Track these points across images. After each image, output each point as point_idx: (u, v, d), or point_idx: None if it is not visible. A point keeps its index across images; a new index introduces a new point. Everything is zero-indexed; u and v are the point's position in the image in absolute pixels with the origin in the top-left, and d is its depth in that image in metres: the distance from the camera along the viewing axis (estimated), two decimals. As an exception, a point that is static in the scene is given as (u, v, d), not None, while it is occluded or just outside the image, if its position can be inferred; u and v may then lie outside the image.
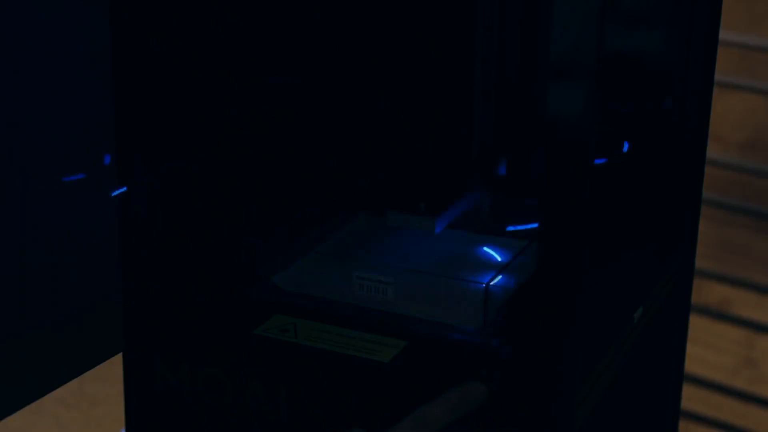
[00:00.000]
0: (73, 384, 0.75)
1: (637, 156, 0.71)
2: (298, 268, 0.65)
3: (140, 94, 0.62)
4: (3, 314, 0.68)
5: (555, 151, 0.53)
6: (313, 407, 0.59)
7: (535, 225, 0.66)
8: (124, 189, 0.63)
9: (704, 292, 1.83)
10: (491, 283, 0.61)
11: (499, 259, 0.65)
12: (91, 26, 0.70)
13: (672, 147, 0.75)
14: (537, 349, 0.56)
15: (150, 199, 0.64)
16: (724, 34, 0.82)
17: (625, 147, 0.69)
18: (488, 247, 0.67)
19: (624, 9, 0.66)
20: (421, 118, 0.68)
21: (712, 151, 0.96)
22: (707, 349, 1.81)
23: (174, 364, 0.61)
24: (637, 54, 0.70)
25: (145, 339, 0.63)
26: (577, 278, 0.54)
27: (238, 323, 0.62)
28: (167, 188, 0.64)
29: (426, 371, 0.58)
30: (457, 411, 0.56)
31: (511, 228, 0.67)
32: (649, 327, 0.70)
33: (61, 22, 0.69)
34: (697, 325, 1.44)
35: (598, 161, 0.55)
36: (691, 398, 1.63)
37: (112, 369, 0.75)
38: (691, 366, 1.26)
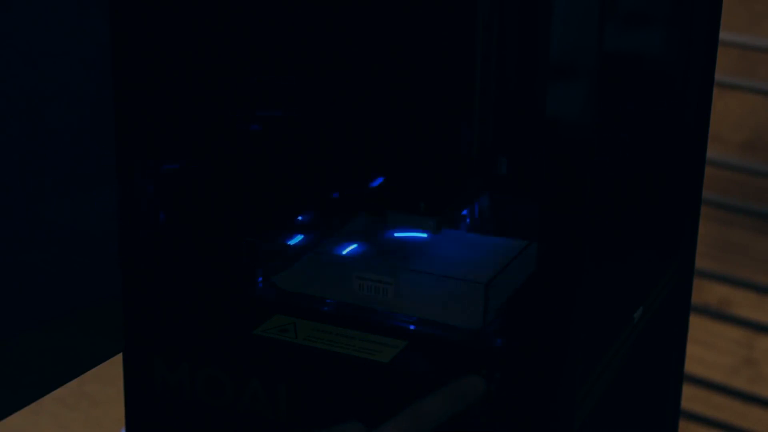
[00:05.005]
0: (73, 384, 0.75)
1: (637, 156, 0.71)
2: (298, 268, 0.65)
3: (140, 94, 0.62)
4: (3, 314, 0.68)
5: (555, 151, 0.53)
6: (313, 407, 0.59)
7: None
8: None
9: (704, 292, 1.83)
10: (491, 283, 0.61)
11: (499, 259, 0.65)
12: (91, 25, 0.70)
13: (672, 147, 0.75)
14: (537, 349, 0.56)
15: (150, 199, 0.64)
16: (724, 34, 0.82)
17: (625, 146, 0.69)
18: (488, 247, 0.67)
19: (624, 9, 0.66)
20: (421, 118, 0.68)
21: (712, 151, 0.96)
22: (707, 349, 1.81)
23: (174, 364, 0.61)
24: (637, 54, 0.70)
25: (145, 339, 0.63)
26: (577, 278, 0.54)
27: (238, 323, 0.62)
28: (167, 188, 0.64)
29: (426, 371, 0.58)
30: (455, 405, 0.56)
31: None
32: (649, 327, 0.70)
33: (61, 21, 0.69)
34: (696, 325, 1.45)
35: (598, 161, 0.55)
36: (691, 398, 1.64)
37: (112, 369, 0.75)
38: (691, 366, 1.26)
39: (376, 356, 0.59)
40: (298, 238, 0.67)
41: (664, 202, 0.76)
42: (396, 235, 0.68)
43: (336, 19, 0.67)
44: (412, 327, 0.61)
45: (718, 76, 0.81)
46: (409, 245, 0.67)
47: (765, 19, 1.94)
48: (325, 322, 0.61)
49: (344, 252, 0.66)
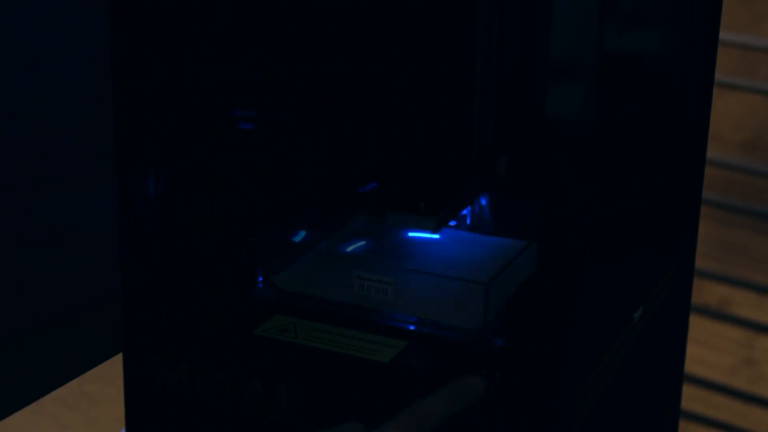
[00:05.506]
0: (73, 384, 0.75)
1: (637, 156, 0.71)
2: (298, 268, 0.65)
3: (141, 94, 0.62)
4: (3, 314, 0.68)
5: (555, 151, 0.53)
6: (313, 407, 0.59)
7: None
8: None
9: (704, 292, 1.83)
10: (491, 283, 0.61)
11: (499, 259, 0.65)
12: (91, 25, 0.70)
13: (672, 147, 0.75)
14: (537, 349, 0.56)
15: (150, 199, 0.64)
16: (724, 34, 0.82)
17: (625, 146, 0.69)
18: (488, 247, 0.67)
19: (624, 9, 0.66)
20: (421, 118, 0.68)
21: (712, 151, 0.96)
22: (707, 349, 1.81)
23: (174, 364, 0.61)
24: (637, 54, 0.70)
25: (145, 339, 0.63)
26: (577, 278, 0.54)
27: (238, 323, 0.62)
28: (167, 188, 0.64)
29: (426, 371, 0.58)
30: (455, 405, 0.56)
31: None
32: (649, 327, 0.70)
33: (61, 21, 0.69)
34: (697, 325, 1.45)
35: (598, 161, 0.55)
36: (691, 398, 1.64)
37: (112, 369, 0.75)
38: (691, 366, 1.26)
39: (376, 356, 0.59)
40: (299, 237, 0.67)
41: (664, 202, 0.76)
42: (396, 234, 0.68)
43: (336, 19, 0.67)
44: (412, 327, 0.61)
45: (718, 76, 0.81)
46: (409, 245, 0.67)
47: (765, 19, 1.94)
48: (325, 322, 0.61)
49: (350, 248, 0.66)
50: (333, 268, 0.64)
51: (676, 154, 0.75)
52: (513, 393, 0.57)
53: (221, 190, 0.65)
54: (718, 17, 0.75)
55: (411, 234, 0.68)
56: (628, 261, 0.69)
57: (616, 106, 0.67)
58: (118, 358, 0.66)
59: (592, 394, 0.60)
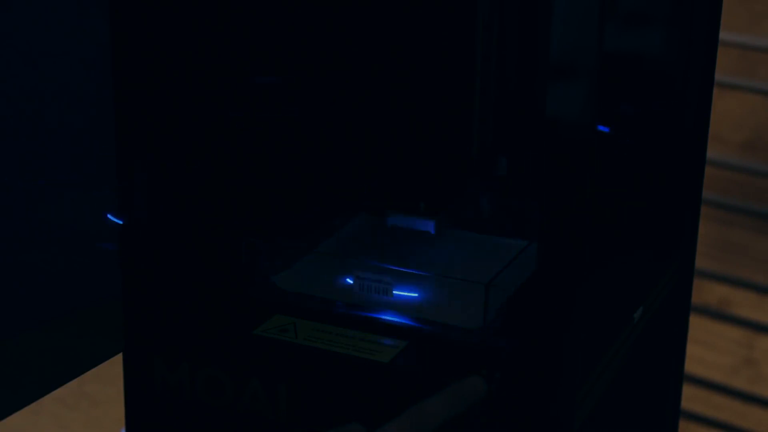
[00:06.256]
0: (73, 384, 0.75)
1: (637, 156, 0.71)
2: (298, 268, 0.65)
3: (140, 95, 0.62)
4: (3, 314, 0.68)
5: (555, 151, 0.53)
6: (313, 407, 0.59)
7: None
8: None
9: (704, 292, 1.83)
10: (491, 283, 0.61)
11: (499, 259, 0.65)
12: (91, 25, 0.70)
13: (672, 147, 0.75)
14: (537, 349, 0.56)
15: (150, 199, 0.64)
16: (724, 34, 0.82)
17: (625, 146, 0.69)
18: (488, 247, 0.67)
19: (624, 9, 0.66)
20: (421, 118, 0.68)
21: (712, 151, 0.96)
22: (707, 349, 1.81)
23: (174, 364, 0.61)
24: (637, 54, 0.70)
25: (145, 339, 0.63)
26: (577, 278, 0.54)
27: (238, 323, 0.62)
28: (167, 188, 0.64)
29: (426, 371, 0.58)
30: (456, 406, 0.56)
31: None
32: (649, 327, 0.70)
33: (61, 21, 0.69)
34: (696, 325, 1.45)
35: (598, 161, 0.55)
36: (691, 398, 1.64)
37: (112, 369, 0.75)
38: (691, 366, 1.26)
39: (376, 356, 0.59)
40: (299, 237, 0.67)
41: (664, 202, 0.76)
42: (396, 234, 0.68)
43: (336, 19, 0.67)
44: (412, 327, 0.61)
45: (718, 76, 0.81)
46: (409, 245, 0.67)
47: (765, 19, 1.94)
48: (325, 322, 0.61)
49: (344, 252, 0.66)
50: (333, 268, 0.64)
51: (676, 154, 0.75)
52: (513, 393, 0.57)
53: (221, 190, 0.65)
54: (718, 17, 0.75)
55: (411, 233, 0.68)
56: (628, 261, 0.69)
57: (617, 106, 0.67)
58: (118, 358, 0.66)
59: (592, 394, 0.60)
